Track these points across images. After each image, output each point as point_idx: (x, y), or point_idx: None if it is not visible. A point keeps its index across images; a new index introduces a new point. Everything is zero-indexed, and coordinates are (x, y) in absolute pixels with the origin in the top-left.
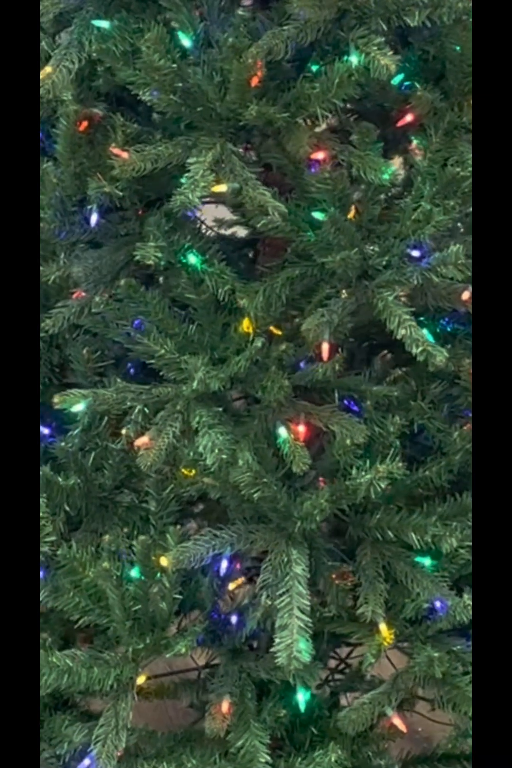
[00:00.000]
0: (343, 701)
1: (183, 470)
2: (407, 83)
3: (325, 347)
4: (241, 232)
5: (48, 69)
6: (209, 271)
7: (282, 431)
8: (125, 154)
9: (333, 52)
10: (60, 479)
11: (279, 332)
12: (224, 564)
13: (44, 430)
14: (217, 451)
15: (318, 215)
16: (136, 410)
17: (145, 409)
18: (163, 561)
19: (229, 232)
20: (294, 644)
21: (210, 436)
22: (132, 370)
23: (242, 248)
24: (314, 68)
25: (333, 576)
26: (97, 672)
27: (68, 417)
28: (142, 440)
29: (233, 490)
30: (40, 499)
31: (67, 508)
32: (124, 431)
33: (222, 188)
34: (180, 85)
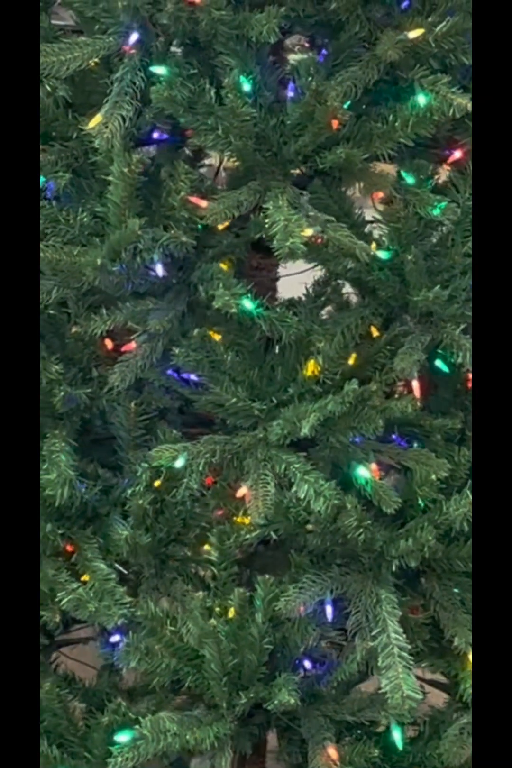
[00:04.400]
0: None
1: (238, 519)
2: None
3: (416, 385)
4: None
5: (98, 118)
6: (265, 315)
7: (363, 472)
8: (204, 203)
9: (375, 90)
10: (143, 537)
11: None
12: (328, 609)
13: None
14: (327, 496)
15: (383, 254)
16: (202, 461)
17: (213, 460)
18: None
19: None
20: (402, 683)
21: (309, 483)
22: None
23: None
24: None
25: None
26: (198, 732)
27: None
28: (242, 491)
29: (332, 534)
30: (99, 562)
31: (118, 566)
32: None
33: (308, 232)
34: (256, 129)
